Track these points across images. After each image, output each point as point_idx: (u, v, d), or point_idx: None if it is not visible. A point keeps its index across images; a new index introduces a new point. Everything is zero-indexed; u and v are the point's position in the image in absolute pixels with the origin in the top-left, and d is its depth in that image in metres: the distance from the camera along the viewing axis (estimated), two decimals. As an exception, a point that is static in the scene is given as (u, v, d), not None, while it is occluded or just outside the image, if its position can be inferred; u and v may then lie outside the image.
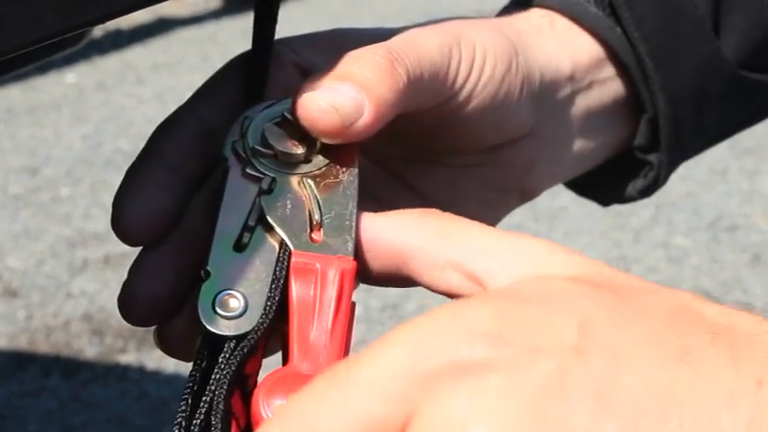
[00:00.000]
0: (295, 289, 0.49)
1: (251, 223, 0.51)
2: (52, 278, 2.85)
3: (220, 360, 0.48)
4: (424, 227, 0.50)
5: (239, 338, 0.48)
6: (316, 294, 0.49)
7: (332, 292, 0.49)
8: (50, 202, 3.21)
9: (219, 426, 0.46)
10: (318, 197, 0.52)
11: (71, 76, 4.13)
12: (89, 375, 2.47)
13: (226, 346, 0.48)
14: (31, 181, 3.36)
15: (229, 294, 0.49)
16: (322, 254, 0.50)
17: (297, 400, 0.42)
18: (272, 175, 0.52)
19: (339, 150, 0.53)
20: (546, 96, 0.63)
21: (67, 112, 3.84)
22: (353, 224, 0.51)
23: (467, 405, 0.40)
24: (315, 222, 0.51)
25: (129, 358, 2.49)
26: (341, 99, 0.52)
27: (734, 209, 3.14)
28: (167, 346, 0.53)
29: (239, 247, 0.51)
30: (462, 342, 0.41)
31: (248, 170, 0.52)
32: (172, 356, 0.54)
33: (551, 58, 0.63)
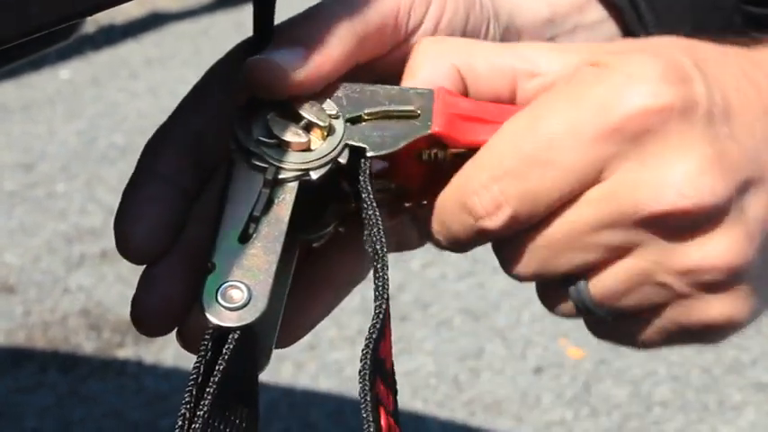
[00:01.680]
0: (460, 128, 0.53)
1: (256, 214, 0.51)
2: (49, 274, 2.85)
3: (224, 351, 0.48)
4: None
5: (243, 329, 0.48)
6: (457, 113, 0.54)
7: (461, 101, 0.54)
8: (46, 197, 3.21)
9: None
10: (366, 113, 0.54)
11: (65, 72, 4.12)
12: (87, 370, 2.47)
13: (230, 337, 0.48)
14: (25, 177, 3.35)
15: (232, 285, 0.49)
16: (431, 108, 0.53)
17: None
18: (276, 164, 0.52)
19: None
20: (519, 39, 0.63)
21: (61, 108, 3.83)
22: (398, 86, 0.54)
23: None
24: (395, 111, 0.53)
25: (126, 353, 2.49)
26: (275, 54, 0.54)
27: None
28: (188, 344, 0.54)
29: (244, 238, 0.51)
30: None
31: (253, 161, 0.52)
32: (193, 353, 0.54)
33: (523, 1, 0.63)
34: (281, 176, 0.52)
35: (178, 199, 0.54)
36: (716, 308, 0.52)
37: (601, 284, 0.53)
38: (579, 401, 2.30)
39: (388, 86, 0.54)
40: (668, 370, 2.37)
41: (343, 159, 0.53)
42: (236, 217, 0.51)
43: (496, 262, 2.28)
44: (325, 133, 0.53)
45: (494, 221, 0.53)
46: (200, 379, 0.48)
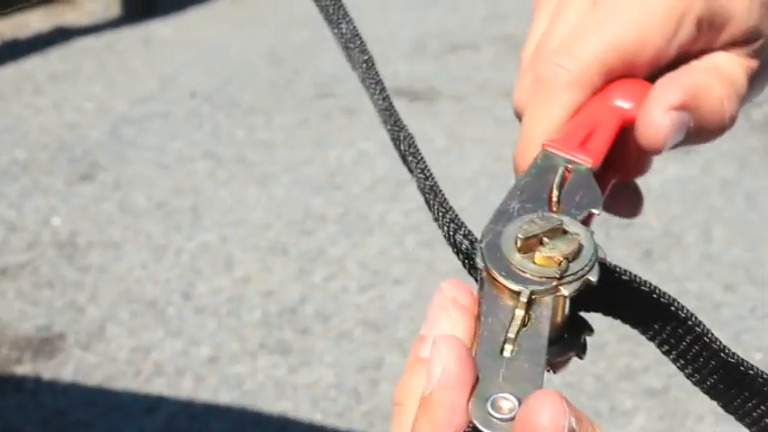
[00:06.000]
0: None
1: (511, 336, 0.51)
2: (-53, 291, 2.82)
3: None
4: None
5: None
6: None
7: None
8: (-54, 214, 3.17)
9: None
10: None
11: (-33, 87, 4.08)
12: (-16, 387, 2.45)
13: None
14: (-75, 193, 3.31)
15: (501, 397, 0.49)
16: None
17: None
18: (529, 286, 0.52)
19: None
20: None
21: (-36, 124, 3.79)
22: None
23: None
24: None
25: (24, 369, 2.48)
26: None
27: (626, 206, 3.21)
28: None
29: (505, 353, 0.51)
30: None
31: (507, 284, 0.52)
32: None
33: None
34: (535, 294, 0.52)
35: None
36: None
37: None
38: (477, 410, 2.33)
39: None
40: (562, 377, 2.41)
41: (593, 277, 0.53)
42: (494, 332, 0.51)
43: (396, 274, 2.35)
44: (576, 248, 0.53)
45: None
46: None
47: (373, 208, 3.14)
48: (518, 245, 0.53)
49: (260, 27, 4.63)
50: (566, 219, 0.54)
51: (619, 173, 0.66)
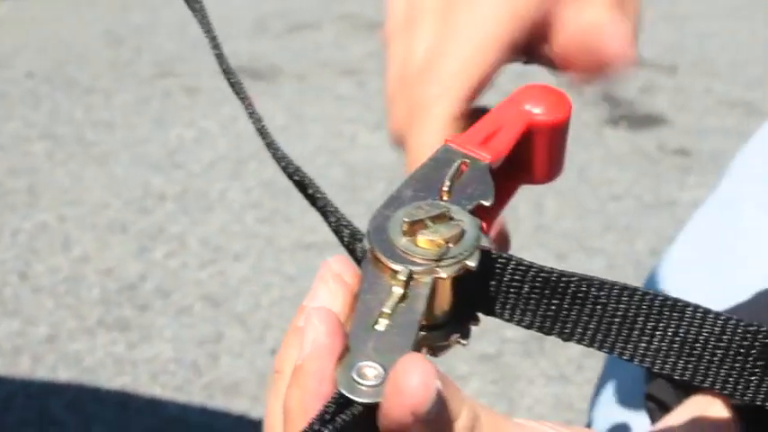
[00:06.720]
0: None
1: (386, 311, 0.52)
2: None
3: (338, 420, 0.49)
4: None
5: (371, 406, 0.49)
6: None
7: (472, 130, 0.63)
8: None
9: None
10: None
11: None
12: None
13: (350, 411, 0.50)
14: None
15: (366, 365, 0.50)
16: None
17: None
18: (409, 266, 0.54)
19: None
20: None
21: None
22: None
23: None
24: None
25: None
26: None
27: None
28: None
29: (378, 326, 0.52)
30: None
31: (388, 262, 0.54)
32: None
33: None
34: (415, 274, 0.54)
35: None
36: None
37: None
38: (316, 380, 2.37)
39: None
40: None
41: (472, 263, 0.54)
42: (370, 308, 0.52)
43: (236, 250, 2.40)
44: (458, 234, 0.55)
45: None
46: None
47: (213, 185, 3.15)
48: (403, 228, 0.55)
49: (97, 7, 4.58)
50: (453, 207, 0.57)
51: (527, 176, 0.68)
